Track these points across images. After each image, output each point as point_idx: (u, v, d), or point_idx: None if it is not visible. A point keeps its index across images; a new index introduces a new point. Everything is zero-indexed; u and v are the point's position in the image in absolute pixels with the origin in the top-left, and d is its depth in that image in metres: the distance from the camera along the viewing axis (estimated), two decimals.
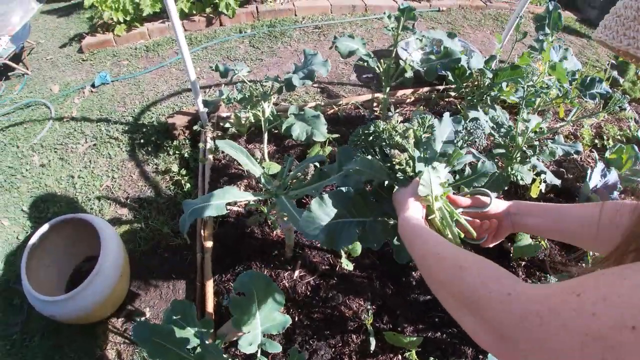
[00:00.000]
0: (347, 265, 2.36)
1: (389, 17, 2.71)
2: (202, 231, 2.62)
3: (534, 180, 2.73)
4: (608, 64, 4.37)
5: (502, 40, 2.78)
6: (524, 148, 2.36)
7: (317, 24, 4.72)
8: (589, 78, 3.06)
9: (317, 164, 2.28)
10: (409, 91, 3.48)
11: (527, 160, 2.38)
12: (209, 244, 2.56)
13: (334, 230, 1.60)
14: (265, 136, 2.74)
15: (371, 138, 1.42)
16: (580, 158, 3.40)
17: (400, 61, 2.62)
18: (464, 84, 2.65)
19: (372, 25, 4.87)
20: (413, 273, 2.46)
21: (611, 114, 3.98)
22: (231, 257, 2.52)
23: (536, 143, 2.42)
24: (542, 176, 2.76)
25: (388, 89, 2.80)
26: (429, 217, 1.16)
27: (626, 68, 4.12)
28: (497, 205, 1.14)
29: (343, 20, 4.90)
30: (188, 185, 2.99)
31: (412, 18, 2.72)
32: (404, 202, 1.16)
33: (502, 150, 2.42)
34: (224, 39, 4.47)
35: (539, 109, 3.14)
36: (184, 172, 3.07)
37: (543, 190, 2.62)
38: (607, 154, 3.27)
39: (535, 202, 1.11)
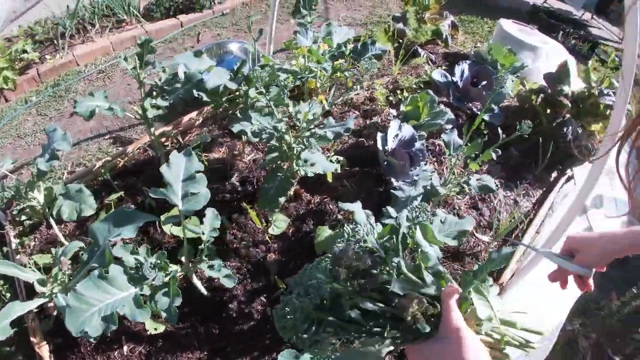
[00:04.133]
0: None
1: (125, 59, 2.53)
2: (33, 339, 2.35)
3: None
4: (391, 18, 4.45)
5: (253, 39, 2.70)
6: (293, 145, 2.30)
7: (100, 68, 4.45)
8: (360, 44, 3.09)
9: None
10: (194, 114, 3.34)
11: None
12: (44, 349, 2.30)
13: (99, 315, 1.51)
14: (53, 222, 2.50)
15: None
16: (381, 119, 3.44)
17: (145, 102, 2.47)
18: (224, 98, 2.55)
19: (157, 50, 4.67)
20: None
21: (407, 64, 4.08)
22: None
23: (307, 133, 2.37)
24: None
25: (152, 129, 2.65)
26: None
27: (408, 17, 4.22)
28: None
29: (135, 54, 4.64)
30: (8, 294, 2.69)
31: (152, 51, 2.58)
32: (457, 353, 0.84)
33: (275, 154, 2.35)
34: (12, 115, 4.08)
35: (320, 91, 3.13)
36: None
37: (339, 171, 2.60)
38: (403, 108, 3.32)
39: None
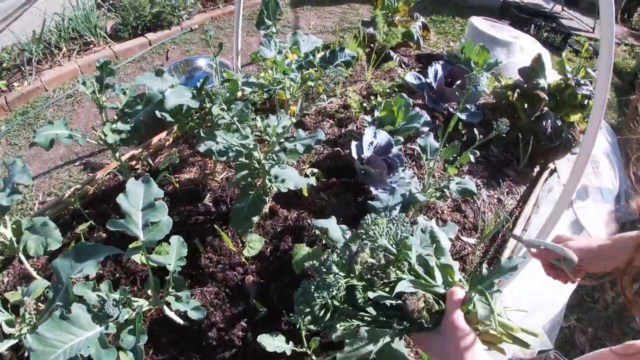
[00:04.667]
0: None
1: (84, 83, 2.44)
2: None
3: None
4: (360, 23, 4.37)
5: (215, 54, 2.61)
6: (263, 161, 2.21)
7: (68, 92, 4.34)
8: (328, 52, 3.00)
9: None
10: (163, 134, 3.24)
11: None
12: None
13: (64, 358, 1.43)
14: (23, 257, 2.38)
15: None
16: (356, 127, 3.37)
17: (105, 128, 2.36)
18: (189, 117, 2.46)
19: (125, 71, 4.58)
20: None
21: (379, 68, 4.01)
22: None
23: (277, 148, 2.29)
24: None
25: (118, 154, 2.56)
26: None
27: (377, 21, 4.16)
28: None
29: (94, 77, 4.55)
30: None
31: (111, 73, 2.49)
32: (454, 349, 0.95)
33: (245, 172, 2.26)
34: None
35: (291, 102, 3.05)
36: None
37: (314, 184, 2.51)
38: (377, 113, 3.25)
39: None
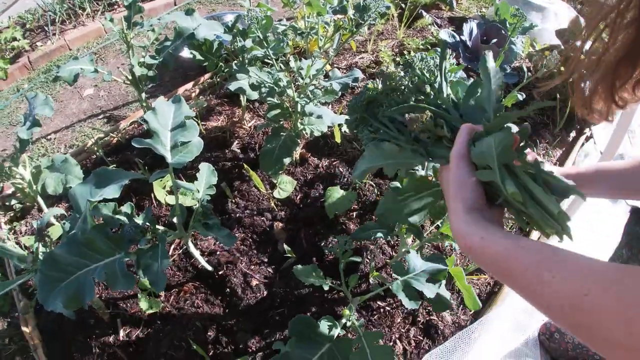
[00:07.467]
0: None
1: (111, 20, 2.35)
2: (25, 328, 2.16)
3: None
4: None
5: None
6: (297, 99, 2.10)
7: (92, 50, 4.26)
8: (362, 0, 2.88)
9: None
10: (189, 85, 3.14)
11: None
12: (36, 338, 2.11)
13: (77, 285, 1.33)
14: (41, 202, 2.31)
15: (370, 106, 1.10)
16: None
17: (133, 60, 2.27)
18: (218, 57, 2.35)
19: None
20: None
21: (411, 27, 3.88)
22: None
23: (311, 88, 2.18)
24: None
25: (144, 95, 2.46)
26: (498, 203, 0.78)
27: None
28: None
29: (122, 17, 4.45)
30: None
31: (140, 11, 2.40)
32: (450, 193, 0.80)
33: (276, 111, 2.15)
34: (3, 105, 3.92)
35: (324, 50, 2.93)
36: None
37: (348, 131, 2.40)
38: None
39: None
